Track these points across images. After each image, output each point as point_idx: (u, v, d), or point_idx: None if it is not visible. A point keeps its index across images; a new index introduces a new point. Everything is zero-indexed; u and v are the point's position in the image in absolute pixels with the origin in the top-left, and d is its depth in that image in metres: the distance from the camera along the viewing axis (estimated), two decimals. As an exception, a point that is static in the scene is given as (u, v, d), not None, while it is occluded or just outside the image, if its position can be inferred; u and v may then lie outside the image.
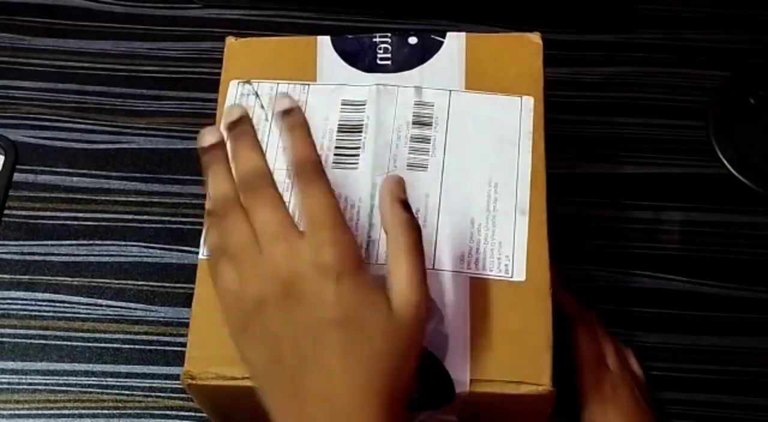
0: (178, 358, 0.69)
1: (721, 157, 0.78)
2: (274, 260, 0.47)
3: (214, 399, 0.56)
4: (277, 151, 0.57)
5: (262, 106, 0.60)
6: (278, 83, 0.61)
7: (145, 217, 0.74)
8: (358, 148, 0.59)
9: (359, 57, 0.62)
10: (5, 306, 0.71)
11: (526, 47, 0.63)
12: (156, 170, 0.76)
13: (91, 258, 0.73)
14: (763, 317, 0.71)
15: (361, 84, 0.61)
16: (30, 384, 0.69)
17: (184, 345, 0.69)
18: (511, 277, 0.56)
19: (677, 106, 0.81)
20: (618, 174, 0.78)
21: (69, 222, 0.74)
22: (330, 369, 0.45)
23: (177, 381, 0.68)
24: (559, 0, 0.85)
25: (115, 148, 0.78)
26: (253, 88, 0.61)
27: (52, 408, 0.68)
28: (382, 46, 0.63)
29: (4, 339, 0.70)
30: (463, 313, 0.54)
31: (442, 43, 0.63)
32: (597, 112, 0.80)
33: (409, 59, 0.62)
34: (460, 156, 0.60)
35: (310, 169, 0.49)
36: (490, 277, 0.56)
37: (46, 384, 0.69)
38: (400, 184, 0.49)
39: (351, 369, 0.45)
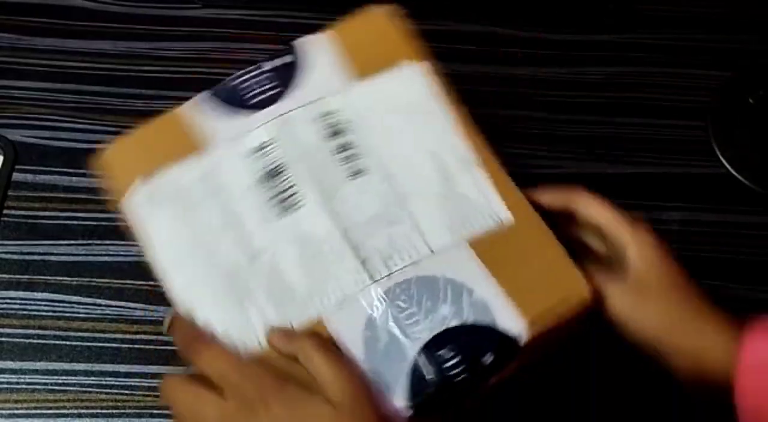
0: (177, 358, 0.69)
1: (720, 156, 0.78)
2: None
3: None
4: (220, 231, 0.57)
5: (174, 199, 0.58)
6: (177, 168, 0.59)
7: (144, 217, 0.74)
8: (292, 186, 0.58)
9: (233, 105, 0.60)
10: (4, 305, 0.71)
11: (384, 20, 0.63)
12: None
13: (90, 258, 0.73)
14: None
15: (253, 128, 0.59)
16: (29, 383, 0.69)
17: (183, 344, 0.70)
18: (502, 222, 0.58)
19: (677, 106, 0.81)
20: (618, 173, 0.78)
21: (68, 222, 0.74)
22: None
23: (176, 381, 0.68)
24: (559, 0, 0.85)
25: (115, 147, 0.77)
26: (155, 184, 0.58)
27: (51, 408, 0.68)
28: (248, 82, 0.61)
29: (3, 339, 0.70)
30: (483, 276, 0.56)
31: (299, 54, 0.62)
32: (597, 112, 0.80)
33: (289, 78, 0.61)
34: (388, 144, 0.59)
35: (194, 347, 0.55)
36: (483, 233, 0.58)
37: (45, 384, 0.69)
38: (273, 333, 0.55)
39: None
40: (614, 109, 0.80)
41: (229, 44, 0.83)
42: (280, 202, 0.58)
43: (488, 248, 0.57)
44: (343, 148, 0.59)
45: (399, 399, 0.53)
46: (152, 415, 0.68)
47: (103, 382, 0.69)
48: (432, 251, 0.57)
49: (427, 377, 0.54)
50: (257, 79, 0.61)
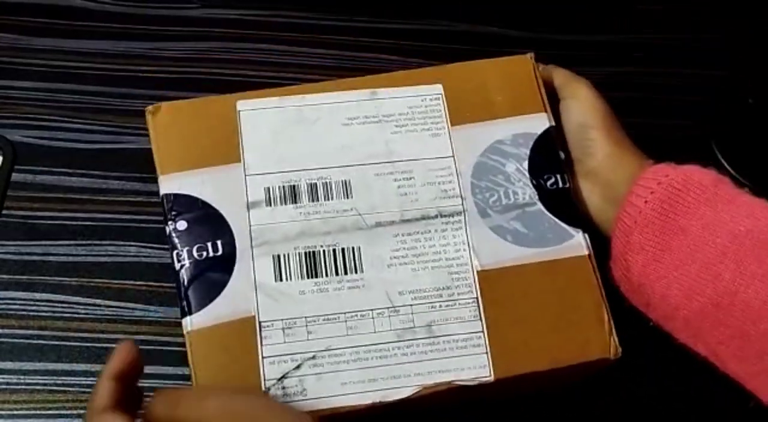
0: (177, 358, 0.69)
1: (720, 156, 0.78)
2: None
3: None
4: (354, 335, 0.57)
5: (302, 365, 0.56)
6: (265, 358, 0.56)
7: (143, 217, 0.74)
8: (334, 250, 0.58)
9: (215, 276, 0.58)
10: (3, 306, 0.71)
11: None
12: (154, 170, 0.76)
13: (90, 259, 0.73)
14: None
15: (251, 267, 0.58)
16: (28, 384, 0.69)
17: (182, 345, 0.69)
18: (440, 93, 0.63)
19: (677, 105, 0.81)
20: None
21: (67, 222, 0.74)
22: None
23: (176, 381, 0.69)
24: (559, 0, 0.85)
25: (114, 148, 0.77)
26: (283, 377, 0.56)
27: (50, 409, 0.68)
28: (194, 254, 0.58)
29: (2, 339, 0.70)
30: (489, 125, 0.63)
31: (179, 198, 0.59)
32: (596, 112, 0.80)
33: (211, 224, 0.59)
34: (322, 154, 0.61)
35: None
36: (446, 111, 0.63)
37: (44, 385, 0.69)
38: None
39: None
40: (613, 109, 0.80)
41: (227, 44, 0.83)
42: (346, 268, 0.58)
43: (462, 112, 0.63)
44: (312, 190, 0.60)
45: (577, 235, 0.60)
46: (152, 416, 0.68)
47: (103, 383, 0.69)
48: (452, 155, 0.61)
49: (567, 208, 0.61)
50: (195, 251, 0.58)
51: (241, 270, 0.58)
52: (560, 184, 0.61)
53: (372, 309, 0.57)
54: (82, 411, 0.68)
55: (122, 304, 0.71)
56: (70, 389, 0.68)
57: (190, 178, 0.60)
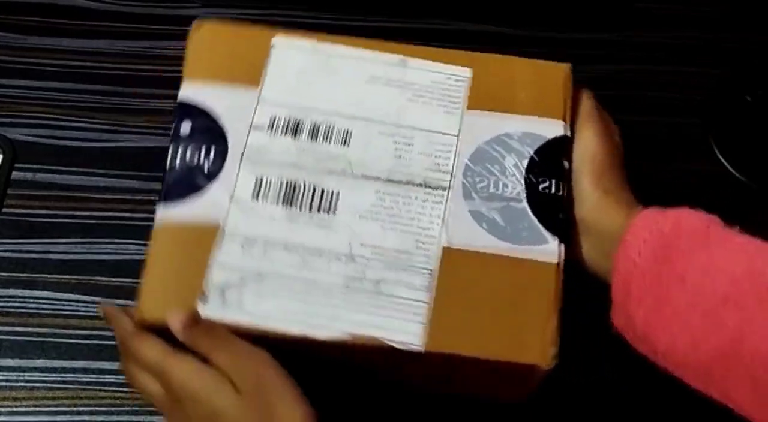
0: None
1: (718, 154, 0.78)
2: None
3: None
4: (306, 267, 0.57)
5: (242, 281, 0.57)
6: (214, 260, 0.58)
7: (142, 215, 0.74)
8: (314, 188, 0.60)
9: (196, 179, 0.60)
10: (3, 303, 0.71)
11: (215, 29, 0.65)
12: (153, 168, 0.76)
13: (89, 256, 0.73)
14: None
15: (233, 180, 0.60)
16: (28, 381, 0.69)
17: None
18: (467, 76, 0.64)
19: (676, 104, 0.81)
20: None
21: (66, 220, 0.74)
22: None
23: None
24: (557, -2, 0.85)
25: (113, 146, 0.78)
26: (213, 287, 0.57)
27: (50, 406, 0.68)
28: (187, 156, 0.61)
29: (2, 337, 0.70)
30: (503, 117, 0.62)
31: (192, 104, 0.62)
32: (595, 110, 0.80)
33: (211, 132, 0.61)
34: (337, 101, 0.62)
35: (132, 341, 0.57)
36: (466, 94, 0.63)
37: (44, 382, 0.69)
38: (176, 319, 0.55)
39: None
40: (612, 107, 0.80)
41: (227, 43, 0.83)
42: (321, 206, 0.59)
43: (482, 99, 0.63)
44: (314, 131, 0.61)
45: (552, 241, 0.59)
46: (150, 413, 0.68)
47: (102, 380, 0.69)
48: (456, 135, 0.61)
49: (551, 211, 0.60)
50: (189, 152, 0.60)
51: (224, 179, 0.59)
52: (552, 190, 0.60)
53: (331, 251, 0.58)
54: (82, 408, 0.68)
55: (121, 302, 0.71)
56: (70, 386, 0.69)
57: (208, 89, 0.62)
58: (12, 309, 0.71)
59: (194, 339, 0.54)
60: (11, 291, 0.72)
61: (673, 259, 0.55)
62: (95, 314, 0.71)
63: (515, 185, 0.60)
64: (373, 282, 0.57)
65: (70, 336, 0.70)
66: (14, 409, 0.68)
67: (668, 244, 0.55)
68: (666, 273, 0.55)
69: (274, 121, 0.61)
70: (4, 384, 0.68)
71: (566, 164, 0.61)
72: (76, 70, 0.81)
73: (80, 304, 0.71)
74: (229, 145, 0.60)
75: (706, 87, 0.82)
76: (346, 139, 0.61)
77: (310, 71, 0.63)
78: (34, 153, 0.77)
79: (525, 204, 0.60)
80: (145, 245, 0.72)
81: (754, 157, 0.78)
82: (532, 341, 0.56)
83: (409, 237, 0.58)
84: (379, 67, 0.63)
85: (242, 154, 0.60)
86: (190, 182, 0.59)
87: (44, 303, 0.71)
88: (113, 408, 0.68)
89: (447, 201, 0.59)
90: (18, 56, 0.81)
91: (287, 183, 0.59)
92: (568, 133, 0.62)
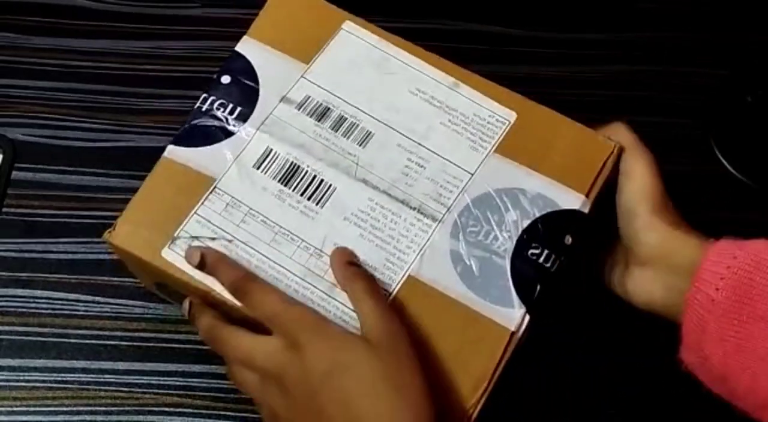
0: (177, 355, 0.70)
1: (718, 155, 0.78)
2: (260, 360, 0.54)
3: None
4: (274, 246, 0.58)
5: (212, 239, 0.58)
6: (196, 211, 0.59)
7: (143, 215, 0.74)
8: (314, 176, 0.60)
9: (214, 131, 0.61)
10: (3, 303, 0.71)
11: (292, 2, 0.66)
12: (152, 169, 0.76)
13: (90, 256, 0.73)
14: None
15: (246, 143, 0.61)
16: (28, 381, 0.69)
17: (182, 341, 0.70)
18: (510, 121, 0.62)
19: (675, 104, 0.81)
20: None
21: (67, 219, 0.74)
22: (334, 413, 0.50)
23: (176, 378, 0.69)
24: (557, -2, 0.85)
25: (114, 146, 0.78)
26: (185, 235, 0.58)
27: (50, 406, 0.68)
28: (216, 104, 0.62)
29: (2, 337, 0.70)
30: (525, 173, 0.60)
31: (244, 59, 0.63)
32: (594, 111, 0.79)
33: (246, 91, 0.62)
34: (373, 102, 0.62)
35: (244, 287, 0.56)
36: (501, 138, 0.61)
37: (44, 381, 0.69)
38: (345, 251, 0.57)
39: (354, 407, 0.50)
40: (612, 108, 0.81)
41: (228, 43, 0.81)
42: (313, 195, 0.59)
43: (514, 148, 0.61)
44: (338, 123, 0.61)
45: (516, 309, 0.57)
46: (151, 412, 0.68)
47: (102, 380, 0.69)
48: (471, 173, 0.60)
49: (530, 279, 0.57)
50: (219, 102, 0.62)
51: (236, 140, 0.60)
52: (541, 259, 0.58)
53: (303, 240, 0.58)
54: (82, 408, 0.68)
55: (122, 301, 0.72)
56: (70, 386, 0.69)
57: (263, 52, 0.63)
58: (12, 309, 0.71)
59: (346, 283, 0.56)
60: (11, 291, 0.72)
61: (754, 297, 0.52)
62: (95, 314, 0.71)
63: (505, 241, 0.58)
64: (330, 285, 0.57)
65: (70, 336, 0.70)
66: (14, 409, 0.68)
67: (748, 282, 0.53)
68: (747, 312, 0.52)
69: (307, 100, 0.62)
70: (4, 384, 0.69)
71: (569, 240, 0.59)
72: (78, 70, 0.81)
73: (80, 304, 0.71)
74: (256, 110, 0.61)
75: (705, 87, 0.82)
76: (364, 140, 0.60)
77: (362, 64, 0.63)
78: (34, 153, 0.77)
79: (507, 262, 0.58)
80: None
81: (754, 157, 0.78)
82: (457, 399, 0.55)
83: (382, 254, 0.58)
84: (430, 83, 0.63)
85: (263, 122, 0.61)
86: (207, 132, 0.61)
87: (44, 303, 0.71)
88: (113, 408, 0.68)
89: (433, 233, 0.58)
90: (19, 56, 0.81)
91: (292, 163, 0.60)
92: (586, 210, 0.59)
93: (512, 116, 0.62)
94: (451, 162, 0.60)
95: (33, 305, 0.71)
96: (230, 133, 0.61)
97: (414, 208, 0.59)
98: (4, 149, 0.77)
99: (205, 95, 0.62)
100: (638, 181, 0.59)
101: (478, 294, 0.57)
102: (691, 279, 0.54)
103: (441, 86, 0.63)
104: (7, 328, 0.70)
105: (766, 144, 0.79)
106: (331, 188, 0.59)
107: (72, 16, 0.84)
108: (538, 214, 0.59)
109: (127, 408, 0.68)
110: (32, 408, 0.68)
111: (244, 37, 0.64)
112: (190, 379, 0.69)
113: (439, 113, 0.62)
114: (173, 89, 0.80)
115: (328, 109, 0.61)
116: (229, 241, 0.58)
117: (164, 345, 0.70)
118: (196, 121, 0.61)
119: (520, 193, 0.59)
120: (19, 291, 0.72)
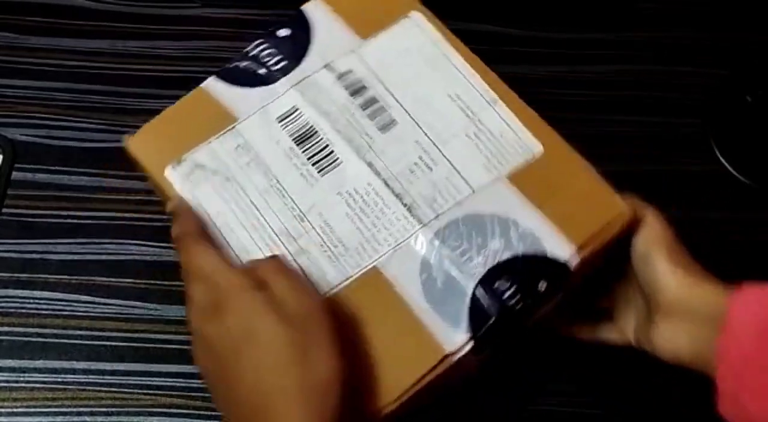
0: (177, 356, 0.70)
1: (718, 154, 0.78)
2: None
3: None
4: (265, 196, 0.59)
5: (214, 172, 0.59)
6: (210, 142, 0.60)
7: (141, 215, 0.74)
8: (327, 146, 0.60)
9: (253, 75, 0.62)
10: (3, 304, 0.71)
11: None
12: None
13: (89, 257, 0.73)
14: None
15: (277, 95, 0.61)
16: (28, 382, 0.69)
17: (182, 342, 0.70)
18: (534, 154, 0.60)
19: (675, 104, 0.81)
20: (615, 171, 0.77)
21: (66, 220, 0.74)
22: (244, 380, 0.50)
23: (175, 379, 0.69)
24: (557, -2, 0.85)
25: (112, 146, 0.77)
26: (191, 161, 0.59)
27: (50, 406, 0.68)
28: (264, 52, 0.63)
29: (2, 338, 0.70)
30: (526, 207, 0.58)
31: (306, 19, 0.64)
32: (595, 110, 0.80)
33: (297, 48, 0.63)
34: (410, 94, 0.61)
35: (186, 240, 0.55)
36: (519, 166, 0.59)
37: (44, 382, 0.69)
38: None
39: (262, 382, 0.50)
40: (612, 107, 0.81)
41: (226, 43, 0.83)
42: (318, 162, 0.59)
43: (526, 180, 0.59)
44: (369, 103, 0.61)
45: (461, 333, 0.55)
46: (151, 413, 0.68)
47: (102, 380, 0.69)
48: (473, 190, 0.59)
49: (487, 309, 0.55)
50: (268, 51, 0.63)
51: (270, 90, 0.62)
52: (506, 296, 0.55)
53: (293, 200, 0.58)
54: (82, 409, 0.68)
55: (121, 302, 0.71)
56: (70, 386, 0.69)
57: (327, 19, 0.64)
58: (12, 310, 0.71)
59: (258, 261, 0.55)
60: (11, 292, 0.72)
61: None
62: (95, 315, 0.71)
63: (479, 266, 0.56)
64: (299, 249, 0.57)
65: (69, 337, 0.70)
66: (14, 410, 0.68)
67: None
68: None
69: (348, 73, 0.62)
70: (4, 384, 0.68)
71: (542, 286, 0.56)
72: (76, 70, 0.81)
73: (80, 304, 0.71)
74: (298, 68, 0.62)
75: (705, 87, 0.82)
76: (386, 126, 0.60)
77: (414, 55, 0.63)
78: (33, 153, 0.77)
79: (471, 285, 0.56)
80: (145, 245, 0.73)
81: (754, 157, 0.78)
82: (367, 397, 0.54)
83: (358, 237, 0.57)
84: (471, 92, 0.62)
85: (300, 81, 0.61)
86: (246, 75, 0.62)
87: (44, 304, 0.71)
88: (113, 409, 0.68)
89: (414, 234, 0.57)
90: (18, 56, 0.81)
91: (311, 126, 0.60)
92: (571, 262, 0.57)
93: (538, 148, 0.60)
94: (459, 173, 0.59)
95: (33, 306, 0.71)
96: (267, 82, 0.62)
97: (405, 205, 0.58)
98: (3, 149, 0.77)
99: (258, 41, 0.63)
100: (649, 230, 0.58)
101: (432, 305, 0.55)
102: (719, 330, 0.53)
103: (480, 99, 0.62)
104: (6, 329, 0.70)
105: (766, 144, 0.79)
106: (338, 161, 0.59)
107: (71, 16, 0.83)
108: (521, 251, 0.57)
109: (127, 409, 0.68)
110: (32, 410, 0.68)
111: (318, 2, 0.64)
112: (190, 380, 0.69)
113: (468, 124, 0.61)
114: (172, 89, 0.80)
115: (364, 87, 0.61)
116: (227, 179, 0.59)
117: (164, 345, 0.70)
118: (241, 63, 0.63)
119: (512, 225, 0.57)
120: (19, 292, 0.72)
